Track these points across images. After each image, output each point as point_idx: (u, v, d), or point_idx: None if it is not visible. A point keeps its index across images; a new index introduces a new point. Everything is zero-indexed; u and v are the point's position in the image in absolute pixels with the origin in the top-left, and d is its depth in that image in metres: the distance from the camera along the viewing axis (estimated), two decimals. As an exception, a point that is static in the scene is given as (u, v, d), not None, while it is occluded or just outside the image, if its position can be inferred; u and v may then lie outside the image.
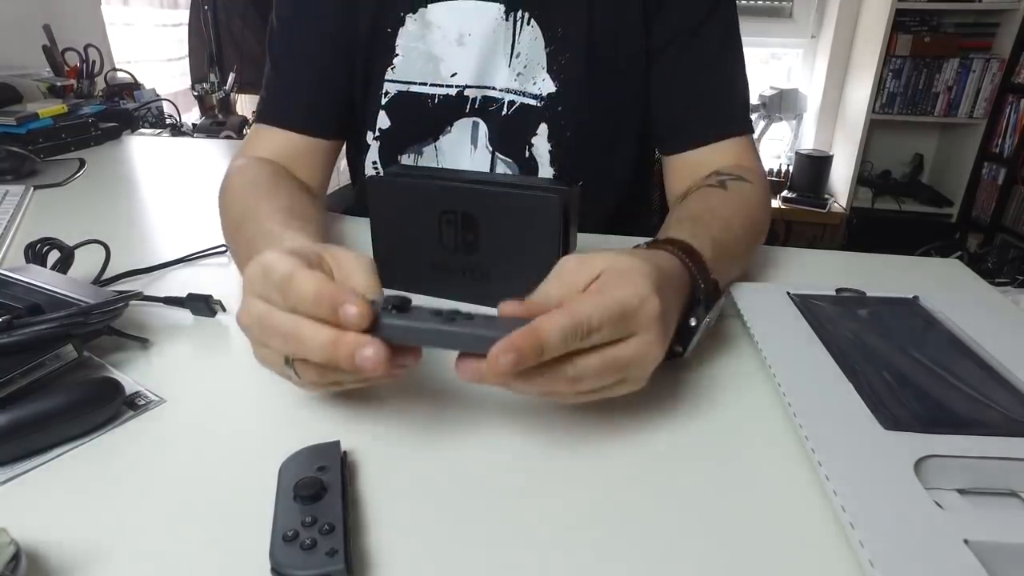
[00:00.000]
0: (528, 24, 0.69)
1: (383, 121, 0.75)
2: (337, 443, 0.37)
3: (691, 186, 0.67)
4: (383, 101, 0.74)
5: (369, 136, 0.76)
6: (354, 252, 0.40)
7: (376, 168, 0.78)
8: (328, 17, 0.70)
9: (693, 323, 0.43)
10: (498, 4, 0.69)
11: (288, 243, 0.45)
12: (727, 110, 0.71)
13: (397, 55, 0.71)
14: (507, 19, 0.69)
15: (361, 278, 0.38)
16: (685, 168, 0.71)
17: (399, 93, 0.73)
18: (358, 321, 0.33)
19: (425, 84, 0.72)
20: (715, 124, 0.70)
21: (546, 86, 0.71)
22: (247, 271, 0.38)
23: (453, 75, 0.72)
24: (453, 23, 0.70)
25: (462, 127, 0.75)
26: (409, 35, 0.71)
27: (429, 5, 0.69)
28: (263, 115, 0.73)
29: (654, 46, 0.70)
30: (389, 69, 0.72)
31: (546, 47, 0.70)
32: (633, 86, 0.72)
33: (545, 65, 0.71)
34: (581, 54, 0.69)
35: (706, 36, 0.69)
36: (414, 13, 0.70)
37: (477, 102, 0.73)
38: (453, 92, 0.72)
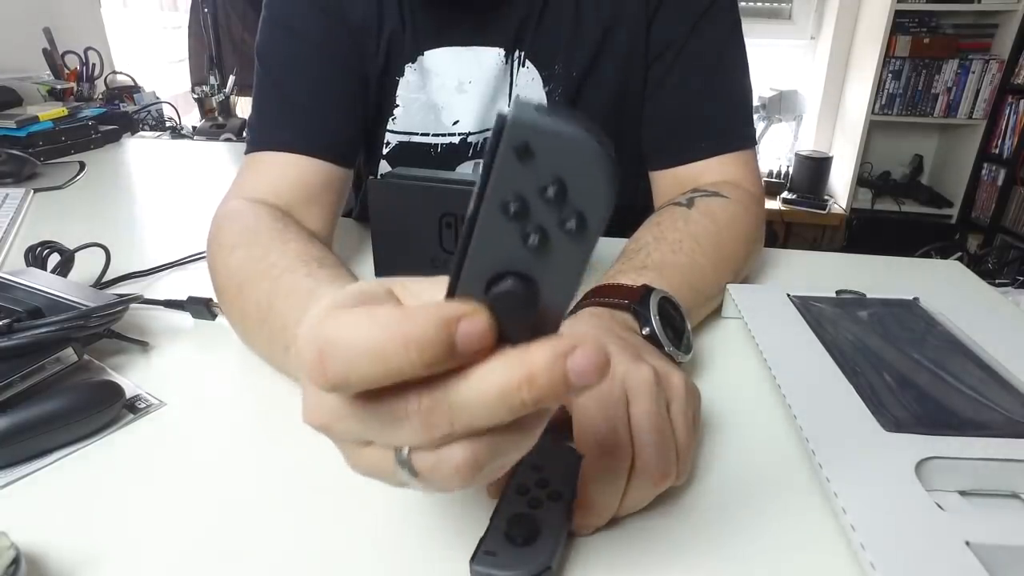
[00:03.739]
0: (524, 66, 0.68)
1: (384, 168, 0.73)
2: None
3: (662, 205, 0.62)
4: (384, 151, 0.73)
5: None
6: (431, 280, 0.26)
7: None
8: (334, 49, 0.65)
9: (646, 332, 0.42)
10: (497, 49, 0.67)
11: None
12: (720, 126, 0.66)
13: (397, 106, 0.70)
14: (507, 62, 0.68)
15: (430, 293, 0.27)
16: (671, 183, 0.67)
17: (400, 144, 0.72)
18: (480, 338, 0.20)
19: (427, 135, 0.71)
20: (706, 141, 0.65)
21: None
22: (301, 352, 0.22)
23: (455, 123, 0.71)
24: (452, 70, 0.68)
25: (464, 170, 0.73)
26: (409, 85, 0.69)
27: (426, 52, 0.67)
28: (262, 141, 0.63)
29: (652, 52, 0.66)
30: (390, 119, 0.71)
31: (544, 86, 0.68)
32: (633, 111, 0.69)
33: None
34: (573, 88, 0.68)
35: (699, 45, 0.65)
36: (413, 62, 0.68)
37: (479, 146, 0.72)
38: (456, 140, 0.71)
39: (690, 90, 0.66)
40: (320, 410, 0.23)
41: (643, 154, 0.71)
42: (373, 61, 0.67)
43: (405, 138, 0.72)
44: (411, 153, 0.72)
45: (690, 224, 0.55)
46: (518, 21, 0.66)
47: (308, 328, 0.22)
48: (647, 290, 0.44)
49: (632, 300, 0.44)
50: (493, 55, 0.67)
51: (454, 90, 0.69)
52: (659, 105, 0.68)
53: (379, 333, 0.20)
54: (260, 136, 0.64)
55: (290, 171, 0.61)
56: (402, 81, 0.69)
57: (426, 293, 0.25)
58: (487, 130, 0.72)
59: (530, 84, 0.68)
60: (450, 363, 0.20)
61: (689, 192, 0.61)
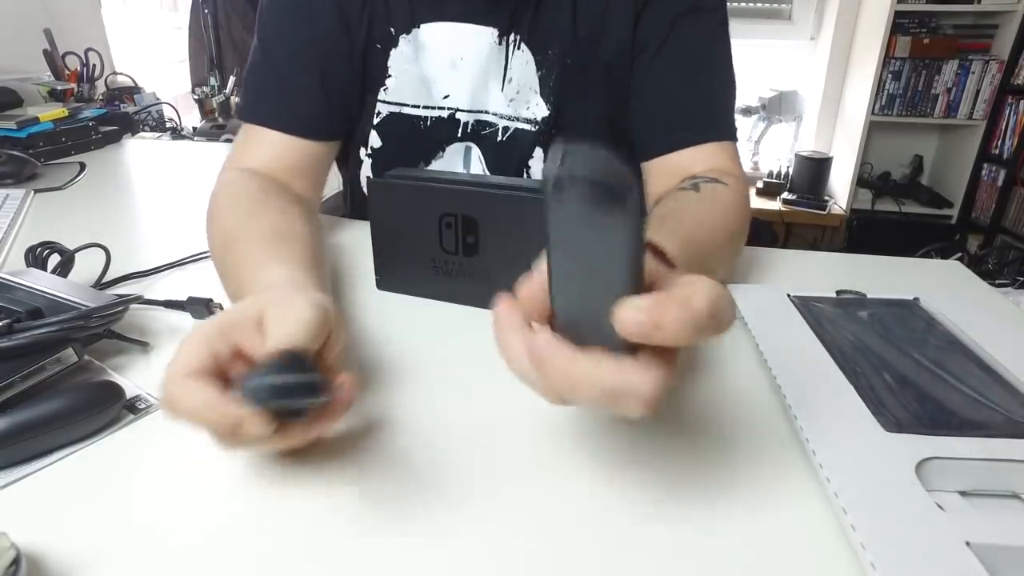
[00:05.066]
0: (519, 48, 0.68)
1: (375, 140, 0.74)
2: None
3: (664, 191, 0.63)
4: (375, 120, 0.73)
5: (362, 152, 0.76)
6: (297, 302, 0.36)
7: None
8: (322, 22, 0.68)
9: None
10: (491, 28, 0.67)
11: (268, 276, 0.44)
12: (706, 115, 0.67)
13: (390, 76, 0.71)
14: (500, 43, 0.68)
15: (280, 333, 0.35)
16: (661, 173, 0.67)
17: (391, 114, 0.72)
18: (258, 430, 0.32)
19: (418, 107, 0.72)
20: (693, 129, 0.67)
21: (540, 110, 0.70)
22: (162, 391, 0.34)
23: (445, 97, 0.71)
24: (445, 46, 0.69)
25: (454, 151, 0.74)
26: (402, 56, 0.70)
27: (421, 25, 0.68)
28: (252, 113, 0.69)
29: (637, 45, 0.67)
30: (382, 90, 0.71)
31: (537, 70, 0.69)
32: (624, 101, 0.70)
33: (537, 89, 0.69)
34: (571, 75, 0.68)
35: (683, 40, 0.66)
36: (407, 33, 0.69)
37: (470, 126, 0.72)
38: (445, 115, 0.72)
39: (673, 82, 0.67)
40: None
41: (635, 145, 0.71)
42: (369, 29, 0.69)
43: (396, 108, 0.72)
44: (401, 124, 0.73)
45: (701, 207, 0.57)
46: (514, 3, 0.67)
47: (166, 377, 0.34)
48: None
49: None
50: (487, 35, 0.68)
51: (446, 66, 0.70)
52: (644, 97, 0.69)
53: (200, 407, 0.33)
54: (251, 107, 0.70)
55: (278, 147, 0.68)
56: (395, 51, 0.70)
57: (280, 330, 0.35)
58: (478, 110, 0.72)
59: (524, 67, 0.69)
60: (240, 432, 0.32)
61: (688, 179, 0.62)
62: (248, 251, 0.50)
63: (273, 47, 0.69)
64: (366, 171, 0.77)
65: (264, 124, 0.68)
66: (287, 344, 0.34)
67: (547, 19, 0.67)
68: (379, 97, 0.72)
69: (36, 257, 0.59)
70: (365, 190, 0.78)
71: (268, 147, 0.68)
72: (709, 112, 0.68)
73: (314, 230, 0.57)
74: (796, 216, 2.90)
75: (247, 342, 0.35)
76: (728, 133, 0.68)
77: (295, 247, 0.51)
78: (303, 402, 0.34)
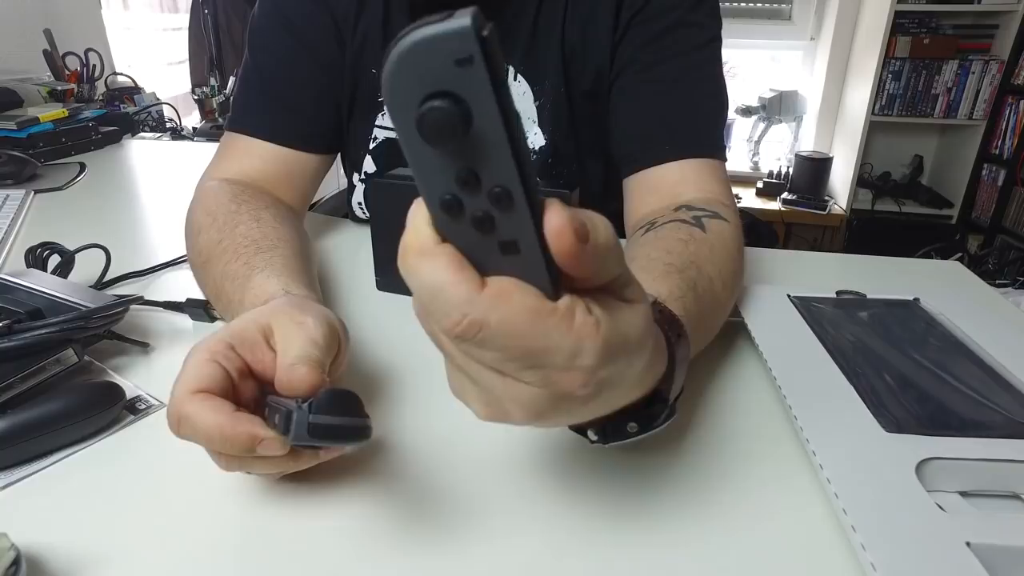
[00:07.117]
0: (515, 80, 0.68)
1: (369, 165, 0.74)
2: (469, 28, 0.19)
3: (657, 214, 0.55)
4: (371, 146, 0.73)
5: (355, 178, 0.76)
6: (308, 318, 0.36)
7: (362, 208, 0.78)
8: (315, 34, 0.67)
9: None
10: None
11: (263, 289, 0.44)
12: (688, 129, 0.63)
13: None
14: None
15: (294, 351, 0.34)
16: (644, 189, 0.62)
17: (387, 140, 0.72)
18: (274, 451, 0.32)
19: None
20: (674, 142, 0.62)
21: (537, 139, 0.69)
22: (169, 413, 0.33)
23: None
24: None
25: None
26: None
27: None
28: (240, 122, 0.67)
29: (615, 68, 0.65)
30: (380, 115, 0.71)
31: (535, 100, 0.68)
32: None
33: (536, 118, 0.69)
34: (562, 104, 0.68)
35: (667, 56, 0.63)
36: None
37: None
38: None
39: (653, 96, 0.64)
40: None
41: (617, 164, 0.67)
42: (361, 51, 0.68)
43: (392, 134, 0.72)
44: (395, 151, 0.72)
45: (714, 261, 0.48)
46: (511, 39, 0.66)
47: (174, 397, 0.33)
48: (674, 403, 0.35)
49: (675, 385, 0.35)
50: None
51: None
52: (623, 114, 0.66)
53: (213, 426, 0.31)
54: (239, 117, 0.68)
55: (263, 157, 0.66)
56: None
57: (293, 348, 0.34)
58: None
59: (521, 98, 0.69)
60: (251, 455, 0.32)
61: (685, 210, 0.55)
62: (227, 270, 0.49)
63: (263, 58, 0.68)
64: (358, 197, 0.77)
65: (251, 133, 0.66)
66: (302, 360, 0.33)
67: (541, 50, 0.66)
68: (376, 122, 0.71)
69: (36, 258, 0.59)
70: (358, 213, 0.79)
71: (253, 157, 0.66)
72: (692, 126, 0.63)
73: (291, 231, 0.56)
74: (796, 216, 2.90)
75: (258, 360, 0.35)
76: (713, 150, 0.62)
77: (275, 255, 0.50)
78: (354, 445, 0.34)
